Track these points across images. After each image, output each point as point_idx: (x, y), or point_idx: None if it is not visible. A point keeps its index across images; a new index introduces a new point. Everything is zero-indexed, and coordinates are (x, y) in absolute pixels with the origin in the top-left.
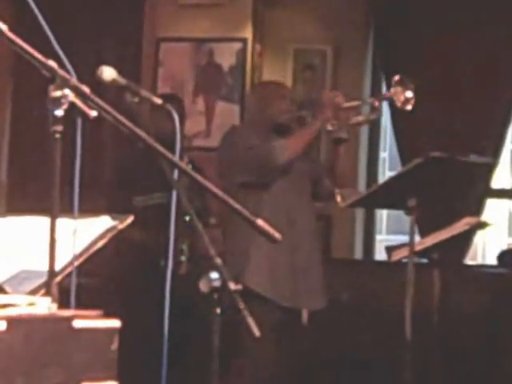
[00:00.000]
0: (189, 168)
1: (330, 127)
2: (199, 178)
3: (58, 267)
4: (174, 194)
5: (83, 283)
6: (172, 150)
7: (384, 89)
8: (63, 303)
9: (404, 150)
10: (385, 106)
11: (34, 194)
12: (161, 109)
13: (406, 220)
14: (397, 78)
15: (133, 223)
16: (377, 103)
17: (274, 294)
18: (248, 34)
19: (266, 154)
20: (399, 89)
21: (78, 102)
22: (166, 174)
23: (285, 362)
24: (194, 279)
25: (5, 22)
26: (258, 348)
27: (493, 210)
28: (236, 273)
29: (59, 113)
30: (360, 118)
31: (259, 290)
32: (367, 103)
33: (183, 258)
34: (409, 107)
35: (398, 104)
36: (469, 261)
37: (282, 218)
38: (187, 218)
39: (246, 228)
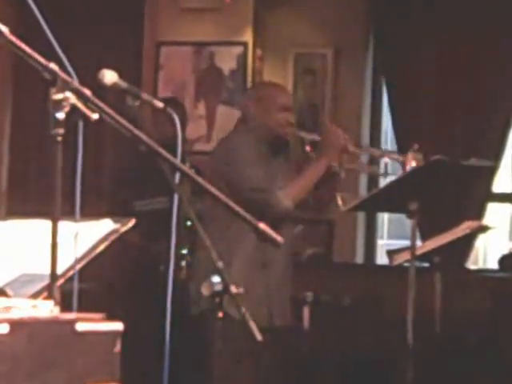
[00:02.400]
0: (191, 171)
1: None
2: (201, 181)
3: (59, 270)
4: (176, 197)
5: (84, 287)
6: (174, 153)
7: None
8: (64, 307)
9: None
10: (385, 107)
11: (34, 197)
12: (162, 112)
13: (407, 225)
14: (416, 146)
15: (134, 227)
16: (384, 159)
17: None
18: (248, 37)
19: (269, 203)
20: (412, 156)
21: (80, 105)
22: (167, 177)
23: (285, 366)
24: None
25: (6, 24)
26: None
27: (494, 214)
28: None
29: (60, 116)
30: (365, 170)
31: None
32: (376, 156)
33: (183, 263)
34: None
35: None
36: (470, 265)
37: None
38: (189, 223)
39: (230, 240)
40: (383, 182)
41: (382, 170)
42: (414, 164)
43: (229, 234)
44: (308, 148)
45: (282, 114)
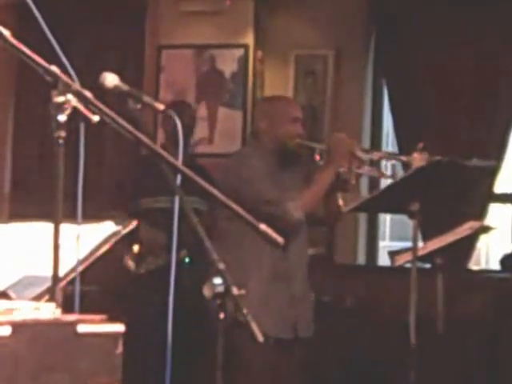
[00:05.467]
0: (194, 173)
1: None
2: (204, 183)
3: (61, 273)
4: (177, 199)
5: (86, 289)
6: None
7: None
8: (66, 309)
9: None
10: (386, 107)
11: (37, 199)
12: (164, 115)
13: (409, 226)
14: (421, 146)
15: (137, 226)
16: (391, 161)
17: (272, 326)
18: (249, 40)
19: (282, 217)
20: (419, 156)
21: (81, 107)
22: (169, 178)
23: (287, 367)
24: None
25: (7, 27)
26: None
27: (496, 214)
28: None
29: (62, 118)
30: (373, 173)
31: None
32: (382, 159)
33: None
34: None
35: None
36: (472, 266)
37: (276, 251)
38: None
39: (245, 255)
40: (384, 183)
41: (389, 172)
42: (420, 163)
43: (244, 249)
44: (317, 157)
45: (292, 126)
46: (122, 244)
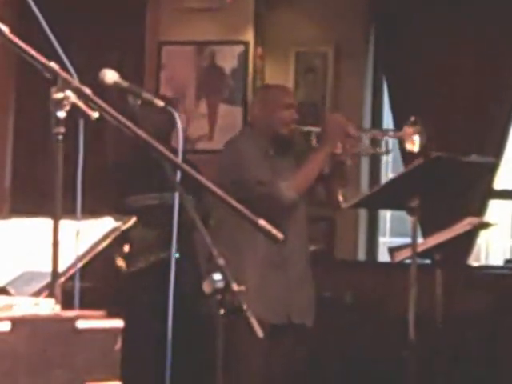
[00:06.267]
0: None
1: (336, 150)
2: (201, 178)
3: (61, 268)
4: (177, 194)
5: (86, 285)
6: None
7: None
8: (66, 305)
9: (407, 153)
10: (386, 103)
11: (37, 196)
12: (163, 111)
13: (409, 222)
14: (412, 119)
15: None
16: (385, 138)
17: (266, 312)
18: (249, 36)
19: (274, 196)
20: (410, 130)
21: (80, 104)
22: (168, 174)
23: (286, 363)
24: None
25: (7, 24)
26: (252, 353)
27: (496, 211)
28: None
29: (61, 114)
30: (368, 151)
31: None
32: (377, 136)
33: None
34: (416, 149)
35: (407, 146)
36: (473, 262)
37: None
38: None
39: (240, 243)
40: (384, 179)
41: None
42: (415, 137)
43: (239, 236)
44: (314, 142)
45: (285, 112)
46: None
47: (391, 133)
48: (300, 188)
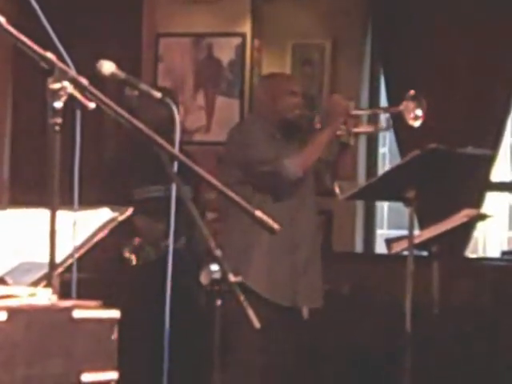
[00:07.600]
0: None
1: (338, 132)
2: (198, 169)
3: (58, 259)
4: (174, 186)
5: (83, 276)
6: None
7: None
8: (63, 295)
9: (404, 145)
10: (383, 97)
11: (35, 186)
12: (160, 102)
13: (407, 215)
14: (411, 92)
15: (133, 215)
16: (386, 115)
17: (273, 293)
18: (247, 28)
19: (278, 172)
20: (411, 104)
21: (77, 94)
22: (165, 166)
23: (284, 354)
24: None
25: (5, 16)
26: (250, 344)
27: (493, 203)
28: (234, 269)
29: (58, 105)
30: (369, 129)
31: (257, 290)
32: (377, 114)
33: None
34: (417, 124)
35: (408, 120)
36: (470, 254)
37: (284, 217)
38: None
39: (247, 225)
40: (382, 171)
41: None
42: (417, 111)
43: (245, 223)
44: (318, 125)
45: (290, 99)
46: (117, 235)
47: (391, 109)
48: (303, 165)
